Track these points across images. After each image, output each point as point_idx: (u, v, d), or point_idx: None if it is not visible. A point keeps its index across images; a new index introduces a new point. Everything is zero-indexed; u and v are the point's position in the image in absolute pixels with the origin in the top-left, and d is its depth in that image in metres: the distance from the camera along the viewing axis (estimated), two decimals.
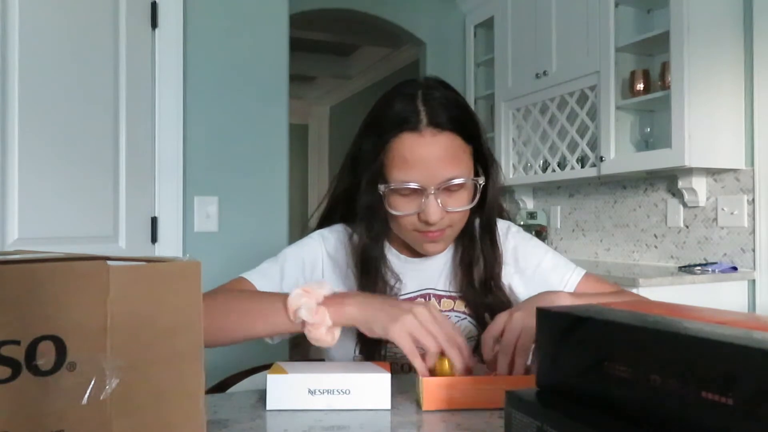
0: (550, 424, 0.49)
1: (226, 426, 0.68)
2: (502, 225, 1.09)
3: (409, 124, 0.91)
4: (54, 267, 0.42)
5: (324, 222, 1.10)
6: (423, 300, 1.02)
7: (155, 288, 0.45)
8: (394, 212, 0.94)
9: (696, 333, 0.42)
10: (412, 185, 0.91)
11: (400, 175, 0.91)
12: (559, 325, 0.53)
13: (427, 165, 0.90)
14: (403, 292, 1.03)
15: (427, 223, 0.92)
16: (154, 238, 2.10)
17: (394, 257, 1.05)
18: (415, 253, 1.04)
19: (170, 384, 0.46)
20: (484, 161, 0.99)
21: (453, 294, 1.05)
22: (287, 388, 0.74)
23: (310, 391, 0.73)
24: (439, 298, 1.04)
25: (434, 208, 0.91)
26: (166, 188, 2.11)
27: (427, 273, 1.05)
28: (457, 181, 0.92)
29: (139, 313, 0.44)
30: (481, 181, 0.96)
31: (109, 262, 0.43)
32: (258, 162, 2.29)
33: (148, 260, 0.46)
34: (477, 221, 1.04)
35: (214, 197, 2.21)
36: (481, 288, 1.02)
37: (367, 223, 0.98)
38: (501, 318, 0.83)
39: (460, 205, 0.94)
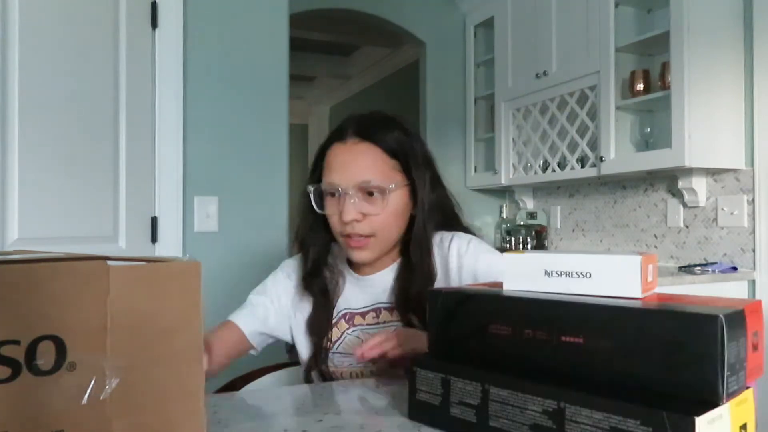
0: (454, 374, 0.64)
1: (227, 426, 0.68)
2: (462, 240, 1.10)
3: (339, 137, 1.06)
4: (54, 267, 0.42)
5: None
6: (374, 314, 1.11)
7: (155, 288, 0.45)
8: (320, 212, 1.05)
9: (557, 298, 0.62)
10: (333, 184, 1.02)
11: (325, 177, 1.04)
12: (450, 301, 0.68)
13: (345, 167, 1.02)
14: (356, 307, 1.10)
15: (345, 223, 1.01)
16: (154, 238, 2.10)
17: (348, 275, 1.12)
18: (367, 271, 1.11)
19: (170, 384, 0.46)
20: (412, 173, 1.05)
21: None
22: (523, 268, 0.70)
23: (546, 273, 0.68)
24: (390, 310, 1.09)
25: (348, 207, 1.00)
26: (166, 188, 2.11)
27: (376, 289, 1.10)
28: (371, 183, 1.01)
29: (139, 313, 0.44)
30: (393, 185, 1.02)
31: (109, 262, 0.43)
32: (258, 162, 2.29)
33: (148, 260, 0.46)
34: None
35: (214, 197, 2.21)
36: (415, 300, 1.04)
37: (310, 222, 1.10)
38: (387, 332, 0.91)
39: (377, 211, 1.01)
